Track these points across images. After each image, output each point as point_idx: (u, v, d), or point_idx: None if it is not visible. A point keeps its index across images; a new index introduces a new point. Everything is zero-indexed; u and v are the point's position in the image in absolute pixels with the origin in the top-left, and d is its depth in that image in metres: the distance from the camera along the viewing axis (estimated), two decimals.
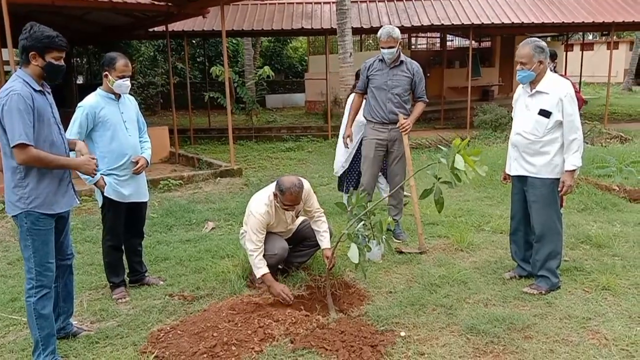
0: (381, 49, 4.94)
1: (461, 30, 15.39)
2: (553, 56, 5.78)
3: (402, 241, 5.13)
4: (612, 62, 13.84)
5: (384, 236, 3.47)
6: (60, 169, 3.06)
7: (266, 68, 13.06)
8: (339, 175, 6.17)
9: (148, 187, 4.29)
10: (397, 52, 4.94)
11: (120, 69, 3.82)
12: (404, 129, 4.95)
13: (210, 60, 20.32)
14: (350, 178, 6.03)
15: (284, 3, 14.80)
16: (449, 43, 19.91)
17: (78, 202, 3.29)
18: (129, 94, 4.07)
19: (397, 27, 5.09)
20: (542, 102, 3.79)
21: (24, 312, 3.45)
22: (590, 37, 30.53)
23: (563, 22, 13.28)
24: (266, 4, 14.82)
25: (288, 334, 3.32)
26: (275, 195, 3.89)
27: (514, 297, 3.85)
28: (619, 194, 6.53)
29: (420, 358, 3.09)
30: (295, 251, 4.30)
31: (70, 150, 3.21)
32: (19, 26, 6.49)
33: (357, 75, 5.66)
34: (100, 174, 3.82)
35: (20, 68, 2.98)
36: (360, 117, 5.36)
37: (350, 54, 11.69)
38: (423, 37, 22.45)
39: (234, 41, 21.54)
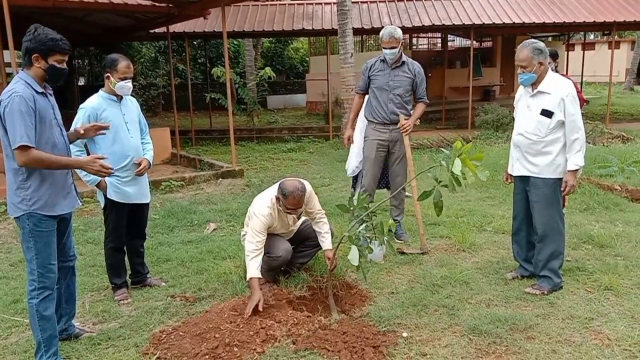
0: (383, 50, 4.94)
1: (462, 30, 15.37)
2: (554, 56, 5.78)
3: (403, 242, 5.13)
4: (614, 62, 13.83)
5: (385, 237, 3.47)
6: (63, 169, 3.07)
7: (267, 69, 13.06)
8: (353, 176, 6.13)
9: (150, 188, 4.29)
10: (398, 52, 4.94)
11: (122, 71, 3.83)
12: (404, 130, 4.95)
13: (212, 61, 20.33)
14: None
15: (285, 4, 14.82)
16: (450, 43, 19.88)
17: (80, 203, 3.29)
18: (131, 95, 4.07)
19: (398, 27, 5.08)
20: (544, 102, 3.79)
21: (26, 313, 3.46)
22: (592, 36, 30.51)
23: (564, 21, 13.26)
24: (267, 4, 14.83)
25: (290, 335, 3.32)
26: (277, 199, 3.89)
27: (516, 297, 3.85)
28: (621, 193, 6.52)
29: (423, 359, 3.09)
30: (297, 252, 4.29)
31: (71, 142, 3.22)
32: (19, 28, 6.55)
33: None
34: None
35: (22, 70, 2.98)
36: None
37: (351, 54, 11.68)
38: (424, 37, 22.43)
39: (235, 42, 21.56)
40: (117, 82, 3.83)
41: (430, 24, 13.35)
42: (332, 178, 8.54)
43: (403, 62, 5.01)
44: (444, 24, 13.28)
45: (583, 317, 3.51)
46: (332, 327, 3.42)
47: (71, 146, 3.31)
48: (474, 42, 15.28)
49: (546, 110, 3.77)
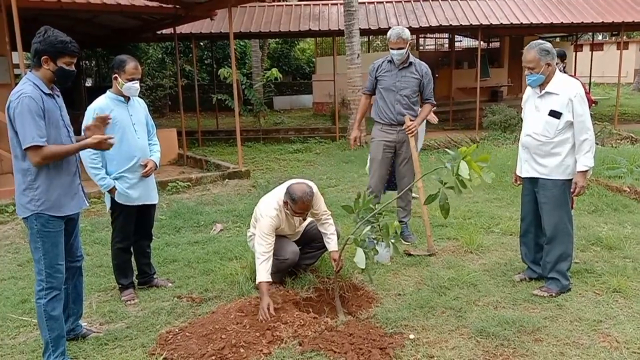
0: (390, 50, 4.92)
1: (470, 30, 15.33)
2: (562, 56, 5.75)
3: (410, 243, 5.11)
4: (622, 63, 13.74)
5: (392, 239, 3.46)
6: (74, 155, 3.09)
7: (274, 70, 13.08)
8: None
9: (157, 189, 4.30)
10: (406, 53, 4.93)
11: (130, 72, 3.84)
12: (409, 131, 4.93)
13: (218, 62, 20.38)
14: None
15: (292, 5, 14.83)
16: (457, 44, 19.84)
17: (87, 204, 3.31)
18: (138, 96, 4.09)
19: (405, 28, 5.07)
20: (552, 103, 3.76)
21: (34, 313, 3.48)
22: (600, 37, 30.31)
23: (572, 22, 13.19)
24: (273, 5, 14.85)
25: (296, 336, 3.31)
26: (285, 203, 3.88)
27: (524, 299, 3.82)
28: (629, 195, 6.47)
29: None
30: (303, 253, 4.28)
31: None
32: (26, 29, 6.59)
33: None
34: (111, 177, 3.87)
35: (30, 71, 3.00)
36: None
37: (358, 55, 11.69)
38: (431, 38, 22.41)
39: (241, 43, 21.60)
40: (125, 83, 3.84)
41: (438, 24, 13.31)
42: (339, 179, 8.53)
43: (410, 63, 4.99)
44: (451, 25, 13.24)
45: (591, 319, 3.48)
46: (338, 328, 3.41)
47: (86, 150, 3.32)
48: (482, 42, 15.23)
49: (554, 111, 3.74)
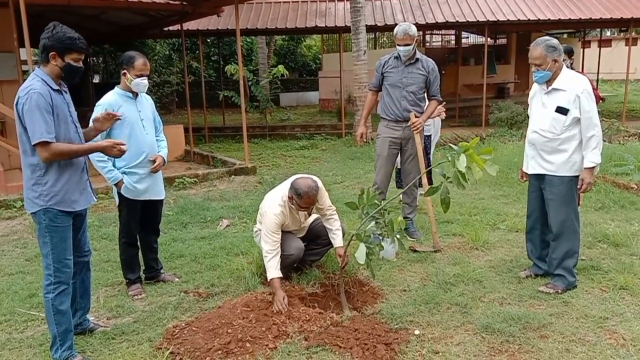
0: (397, 47, 4.91)
1: (476, 27, 15.25)
2: (570, 53, 5.72)
3: (416, 239, 5.11)
4: (631, 59, 13.61)
5: (397, 235, 3.46)
6: (84, 156, 3.11)
7: (280, 67, 13.10)
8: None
9: (164, 185, 4.33)
10: (413, 49, 4.92)
11: (139, 68, 3.86)
12: (415, 128, 4.93)
13: (225, 59, 20.41)
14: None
15: (298, 1, 14.80)
16: (464, 40, 19.77)
17: (95, 199, 3.33)
18: (145, 93, 4.11)
19: (412, 24, 5.06)
20: (559, 99, 3.75)
21: (42, 307, 3.51)
22: (608, 33, 30.09)
23: (580, 18, 13.09)
24: (280, 2, 14.83)
25: (302, 331, 3.33)
26: (290, 197, 3.89)
27: (530, 296, 3.82)
28: (637, 192, 6.44)
29: (435, 356, 3.08)
30: (309, 249, 4.29)
31: (87, 140, 3.26)
32: (33, 25, 6.63)
33: None
34: (120, 172, 3.89)
35: (38, 67, 3.02)
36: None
37: (365, 51, 11.67)
38: (438, 34, 22.31)
39: (248, 40, 21.62)
40: (134, 79, 3.86)
41: (444, 20, 13.26)
42: (344, 175, 8.54)
43: (417, 59, 4.98)
44: (457, 21, 13.18)
45: (597, 316, 3.48)
46: (344, 324, 3.42)
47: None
48: (488, 39, 15.16)
49: (561, 108, 3.73)
